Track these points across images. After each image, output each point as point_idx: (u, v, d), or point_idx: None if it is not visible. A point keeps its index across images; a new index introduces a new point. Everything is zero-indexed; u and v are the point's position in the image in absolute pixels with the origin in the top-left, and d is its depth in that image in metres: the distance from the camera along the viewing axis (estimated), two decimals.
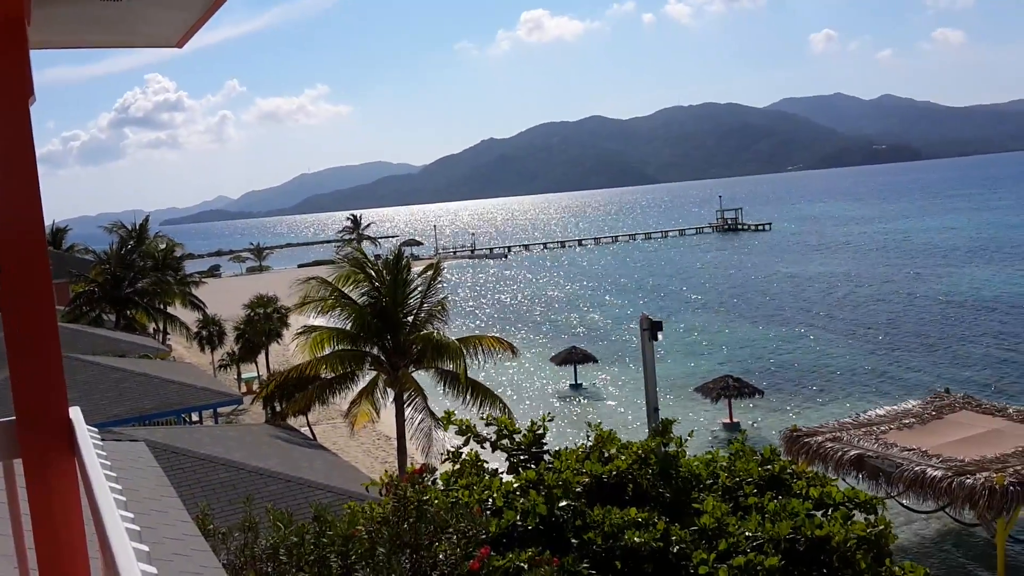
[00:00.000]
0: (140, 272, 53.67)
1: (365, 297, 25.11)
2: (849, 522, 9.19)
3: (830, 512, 9.58)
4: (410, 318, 24.99)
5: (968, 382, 36.38)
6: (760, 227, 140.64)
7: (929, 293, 62.56)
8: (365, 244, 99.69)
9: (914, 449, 20.63)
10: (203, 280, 64.20)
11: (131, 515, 5.25)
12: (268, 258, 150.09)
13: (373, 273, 25.15)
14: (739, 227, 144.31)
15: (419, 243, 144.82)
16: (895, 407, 25.21)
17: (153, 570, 3.39)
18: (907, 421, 23.28)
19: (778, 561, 8.39)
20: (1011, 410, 23.86)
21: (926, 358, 43.24)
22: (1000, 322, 50.13)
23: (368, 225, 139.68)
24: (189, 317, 53.99)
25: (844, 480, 18.36)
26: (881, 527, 9.22)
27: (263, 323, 46.15)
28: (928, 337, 47.98)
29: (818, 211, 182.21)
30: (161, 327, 56.25)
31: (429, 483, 9.42)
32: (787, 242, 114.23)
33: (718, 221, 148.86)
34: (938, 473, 18.98)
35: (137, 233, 61.59)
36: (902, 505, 21.30)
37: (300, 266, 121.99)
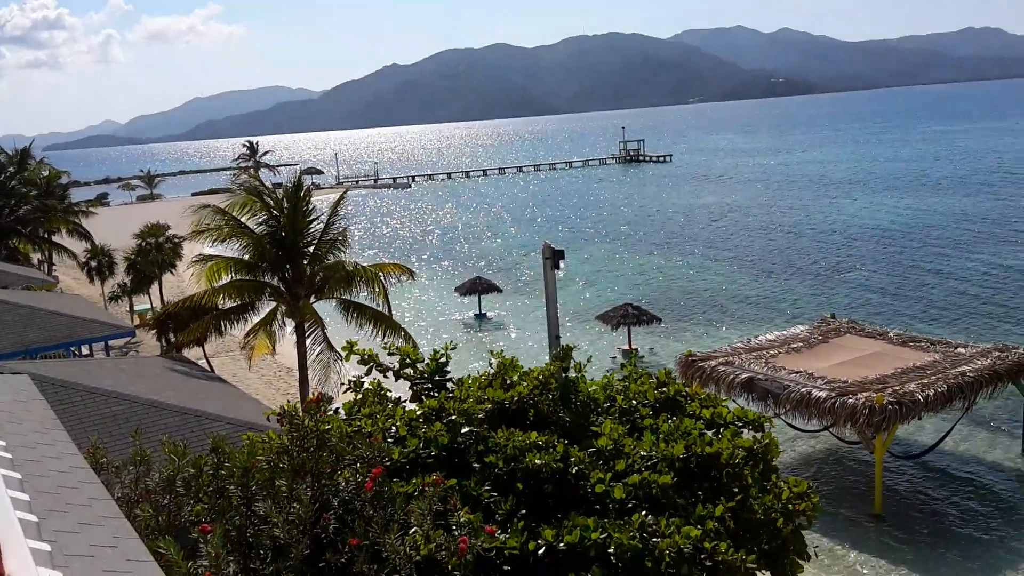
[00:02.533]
0: (22, 199, 50.75)
1: (263, 226, 24.37)
2: (736, 438, 9.60)
3: (721, 431, 9.97)
4: (311, 248, 24.45)
5: (851, 308, 38.22)
6: (661, 159, 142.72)
7: (815, 223, 65.10)
8: (263, 172, 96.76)
9: (801, 371, 21.62)
10: (91, 210, 60.87)
11: (2, 443, 4.98)
12: (160, 186, 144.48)
13: (271, 201, 24.36)
14: (641, 158, 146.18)
15: (319, 172, 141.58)
16: (784, 332, 26.27)
17: (26, 497, 3.25)
18: (795, 345, 24.34)
19: (671, 479, 8.72)
20: (891, 333, 25.22)
21: (814, 285, 45.13)
22: (878, 250, 52.75)
23: (265, 153, 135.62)
24: (77, 247, 51.55)
25: (735, 402, 19.11)
26: (767, 441, 9.66)
27: (155, 253, 44.48)
28: (816, 264, 50.08)
29: (716, 143, 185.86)
30: (46, 257, 53.61)
31: (330, 412, 9.35)
32: (686, 174, 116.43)
33: (621, 153, 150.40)
34: (823, 394, 19.99)
35: (19, 159, 57.91)
36: (789, 425, 22.42)
37: (194, 194, 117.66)
